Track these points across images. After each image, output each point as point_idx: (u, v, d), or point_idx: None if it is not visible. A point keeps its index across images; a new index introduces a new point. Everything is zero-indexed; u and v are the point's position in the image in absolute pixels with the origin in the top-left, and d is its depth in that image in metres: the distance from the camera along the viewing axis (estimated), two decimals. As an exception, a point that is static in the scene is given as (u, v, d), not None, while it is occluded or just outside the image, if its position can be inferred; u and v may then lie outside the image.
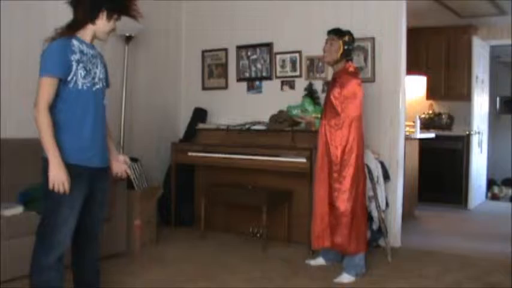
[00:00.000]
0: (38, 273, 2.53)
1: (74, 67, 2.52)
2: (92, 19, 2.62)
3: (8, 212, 3.60)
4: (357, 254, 3.91)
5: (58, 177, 2.44)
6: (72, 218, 2.56)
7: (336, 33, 4.04)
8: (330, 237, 3.98)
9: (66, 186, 2.45)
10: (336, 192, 3.92)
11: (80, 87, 2.54)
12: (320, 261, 4.26)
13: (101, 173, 2.70)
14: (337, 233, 3.93)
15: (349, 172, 3.89)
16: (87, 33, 2.64)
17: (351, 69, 4.03)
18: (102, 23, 2.64)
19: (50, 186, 2.45)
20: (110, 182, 2.86)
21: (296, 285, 3.79)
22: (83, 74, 2.55)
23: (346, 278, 3.87)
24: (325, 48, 4.07)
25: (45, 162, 2.48)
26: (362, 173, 4.02)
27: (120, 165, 2.90)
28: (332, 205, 3.94)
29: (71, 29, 2.61)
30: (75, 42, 2.57)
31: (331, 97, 3.95)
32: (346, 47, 4.00)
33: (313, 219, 4.06)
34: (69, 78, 2.50)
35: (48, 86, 2.46)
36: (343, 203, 3.89)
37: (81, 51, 2.57)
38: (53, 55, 2.49)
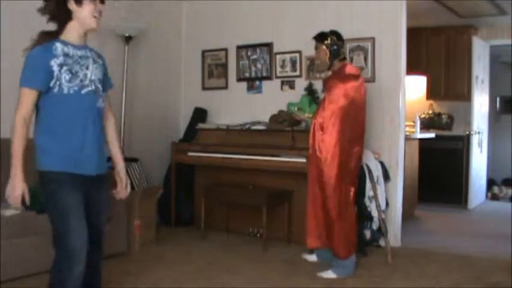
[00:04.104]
0: (58, 285, 2.45)
1: (56, 72, 2.40)
2: (66, 15, 2.47)
3: (8, 212, 3.60)
4: (346, 259, 3.93)
5: (12, 192, 2.35)
6: (79, 225, 2.44)
7: (318, 38, 4.09)
8: (322, 237, 3.99)
9: (18, 202, 2.36)
10: (325, 197, 3.93)
11: (65, 91, 2.42)
12: (314, 258, 4.28)
13: (96, 180, 2.56)
14: (329, 235, 3.95)
15: (332, 176, 3.88)
16: (70, 31, 2.49)
17: (347, 71, 4.02)
18: (78, 12, 2.46)
19: (6, 197, 2.38)
20: (109, 190, 2.72)
21: (296, 285, 3.79)
22: (67, 77, 2.42)
23: (329, 274, 3.90)
24: (314, 56, 4.17)
25: (42, 176, 2.45)
26: (349, 175, 3.98)
27: (123, 188, 2.75)
28: (325, 207, 3.95)
29: (52, 33, 2.50)
30: (58, 45, 2.45)
31: (325, 100, 3.98)
32: (331, 49, 4.02)
33: (307, 219, 4.07)
34: (51, 84, 2.40)
35: (26, 98, 2.39)
36: (330, 208, 3.90)
37: (66, 54, 2.44)
38: (32, 64, 2.39)
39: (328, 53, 4.02)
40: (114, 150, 2.78)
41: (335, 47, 4.04)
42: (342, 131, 3.89)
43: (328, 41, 4.03)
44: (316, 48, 4.11)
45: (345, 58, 4.14)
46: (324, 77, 5.17)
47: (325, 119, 3.90)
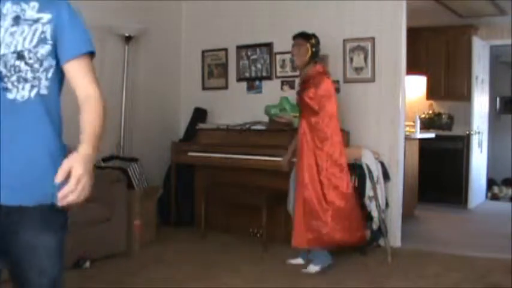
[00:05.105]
0: None
1: None
2: None
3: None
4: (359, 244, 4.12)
5: None
6: None
7: (303, 36, 4.17)
8: (313, 237, 4.02)
9: None
10: (327, 189, 3.99)
11: None
12: (299, 260, 4.28)
13: (20, 213, 1.56)
14: (335, 229, 3.99)
15: (336, 168, 4.02)
16: None
17: (321, 70, 4.15)
18: None
19: None
20: (59, 231, 1.65)
21: (296, 285, 3.80)
22: None
23: (312, 268, 4.00)
24: (293, 52, 4.21)
25: None
26: (346, 168, 4.14)
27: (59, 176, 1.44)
28: (326, 202, 4.00)
29: None
30: None
31: (306, 99, 4.02)
32: (313, 49, 4.12)
33: (305, 219, 4.03)
34: None
35: None
36: (338, 198, 4.00)
37: None
38: None
39: (310, 51, 4.11)
40: (82, 137, 1.54)
41: (316, 49, 4.16)
42: (339, 122, 4.11)
43: (313, 41, 4.14)
44: (298, 45, 4.15)
45: (317, 61, 4.20)
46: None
47: (323, 114, 3.99)
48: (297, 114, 4.32)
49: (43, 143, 1.58)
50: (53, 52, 1.58)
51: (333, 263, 4.11)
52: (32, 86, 1.56)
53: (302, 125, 4.08)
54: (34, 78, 1.56)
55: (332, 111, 4.04)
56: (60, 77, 1.63)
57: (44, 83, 1.57)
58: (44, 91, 1.57)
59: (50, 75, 1.59)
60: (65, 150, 1.63)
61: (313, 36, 4.17)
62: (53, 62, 1.59)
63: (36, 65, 1.56)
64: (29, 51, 1.55)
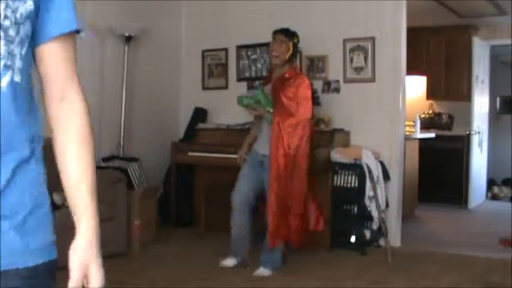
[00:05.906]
0: None
1: None
2: None
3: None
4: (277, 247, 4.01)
5: None
6: None
7: (286, 33, 4.03)
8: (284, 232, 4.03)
9: None
10: (291, 188, 3.96)
11: None
12: (232, 261, 4.17)
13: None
14: (300, 228, 4.02)
15: (300, 171, 3.93)
16: None
17: (299, 71, 4.12)
18: None
19: None
20: None
21: (296, 284, 3.80)
22: None
23: (265, 272, 3.93)
24: (272, 48, 4.05)
25: None
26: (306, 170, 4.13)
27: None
28: (289, 203, 3.99)
29: None
30: None
31: (283, 98, 3.92)
32: (295, 49, 4.01)
33: (278, 219, 3.97)
34: None
35: None
36: (297, 202, 3.96)
37: None
38: None
39: (291, 50, 3.99)
40: (78, 195, 1.04)
41: (297, 49, 4.08)
42: (311, 127, 4.07)
43: (296, 40, 4.02)
44: (280, 41, 4.01)
45: (294, 61, 4.17)
46: (323, 77, 5.19)
47: (298, 115, 3.91)
48: (271, 110, 4.03)
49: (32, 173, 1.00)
50: (33, 17, 0.97)
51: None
52: (6, 67, 0.92)
53: (275, 125, 3.91)
54: (8, 53, 0.93)
55: (307, 116, 3.96)
56: (31, 60, 1.02)
57: (18, 63, 0.95)
58: (17, 77, 0.95)
59: (24, 51, 0.97)
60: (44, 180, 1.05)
61: (296, 35, 4.05)
62: (30, 32, 0.98)
63: (12, 32, 0.93)
64: (6, 5, 0.91)
